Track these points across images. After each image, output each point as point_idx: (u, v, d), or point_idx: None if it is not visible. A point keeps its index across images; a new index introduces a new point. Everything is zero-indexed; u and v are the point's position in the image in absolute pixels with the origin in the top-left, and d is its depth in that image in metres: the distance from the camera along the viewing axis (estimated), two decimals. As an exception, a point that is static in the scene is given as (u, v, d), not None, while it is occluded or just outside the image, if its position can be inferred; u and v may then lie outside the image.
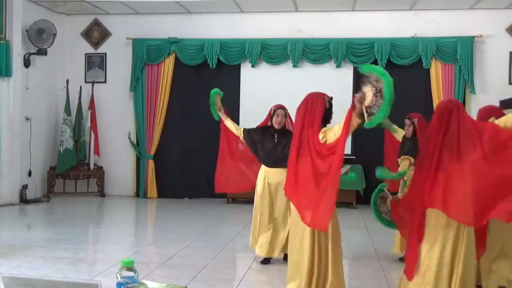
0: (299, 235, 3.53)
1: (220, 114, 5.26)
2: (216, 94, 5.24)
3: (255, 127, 5.27)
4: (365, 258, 5.35)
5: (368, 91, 3.08)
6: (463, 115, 3.25)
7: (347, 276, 3.89)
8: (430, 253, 3.28)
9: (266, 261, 4.99)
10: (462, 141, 3.17)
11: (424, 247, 3.31)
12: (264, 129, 5.10)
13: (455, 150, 3.17)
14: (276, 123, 4.96)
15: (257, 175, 5.14)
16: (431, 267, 3.27)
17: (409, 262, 3.44)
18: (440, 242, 3.25)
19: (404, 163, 4.84)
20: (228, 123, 5.24)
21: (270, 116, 5.05)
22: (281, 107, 5.04)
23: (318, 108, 3.51)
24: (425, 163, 3.29)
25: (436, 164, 3.21)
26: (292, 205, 3.59)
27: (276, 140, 4.96)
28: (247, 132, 5.14)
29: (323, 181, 3.30)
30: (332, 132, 3.35)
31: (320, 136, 3.40)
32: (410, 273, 3.38)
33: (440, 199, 3.18)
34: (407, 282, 3.40)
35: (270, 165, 5.00)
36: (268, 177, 5.00)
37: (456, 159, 3.16)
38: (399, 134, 5.31)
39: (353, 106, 3.16)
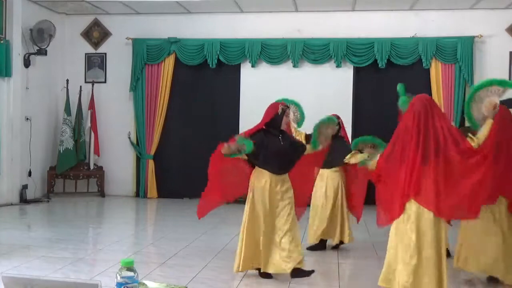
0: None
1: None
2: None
3: (251, 132, 4.46)
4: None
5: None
6: None
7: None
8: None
9: (268, 275, 4.48)
10: None
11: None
12: (266, 132, 4.41)
13: None
14: (286, 123, 4.49)
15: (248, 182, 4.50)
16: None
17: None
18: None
19: (357, 157, 3.94)
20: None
21: (277, 114, 4.37)
22: (288, 106, 4.60)
23: (441, 110, 3.69)
24: (500, 152, 3.90)
25: None
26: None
27: (282, 143, 4.42)
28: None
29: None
30: (480, 139, 3.68)
31: (474, 143, 3.62)
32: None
33: None
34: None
35: (279, 171, 4.36)
36: (274, 185, 4.35)
37: None
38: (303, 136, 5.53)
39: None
